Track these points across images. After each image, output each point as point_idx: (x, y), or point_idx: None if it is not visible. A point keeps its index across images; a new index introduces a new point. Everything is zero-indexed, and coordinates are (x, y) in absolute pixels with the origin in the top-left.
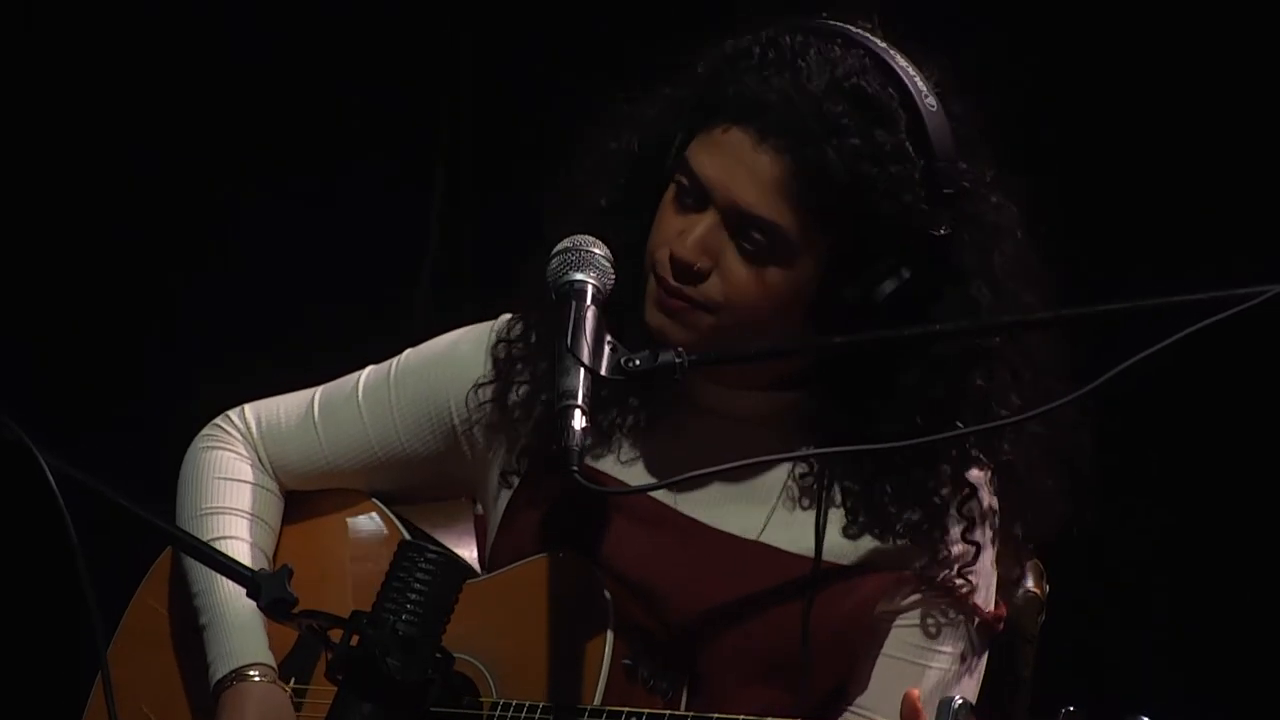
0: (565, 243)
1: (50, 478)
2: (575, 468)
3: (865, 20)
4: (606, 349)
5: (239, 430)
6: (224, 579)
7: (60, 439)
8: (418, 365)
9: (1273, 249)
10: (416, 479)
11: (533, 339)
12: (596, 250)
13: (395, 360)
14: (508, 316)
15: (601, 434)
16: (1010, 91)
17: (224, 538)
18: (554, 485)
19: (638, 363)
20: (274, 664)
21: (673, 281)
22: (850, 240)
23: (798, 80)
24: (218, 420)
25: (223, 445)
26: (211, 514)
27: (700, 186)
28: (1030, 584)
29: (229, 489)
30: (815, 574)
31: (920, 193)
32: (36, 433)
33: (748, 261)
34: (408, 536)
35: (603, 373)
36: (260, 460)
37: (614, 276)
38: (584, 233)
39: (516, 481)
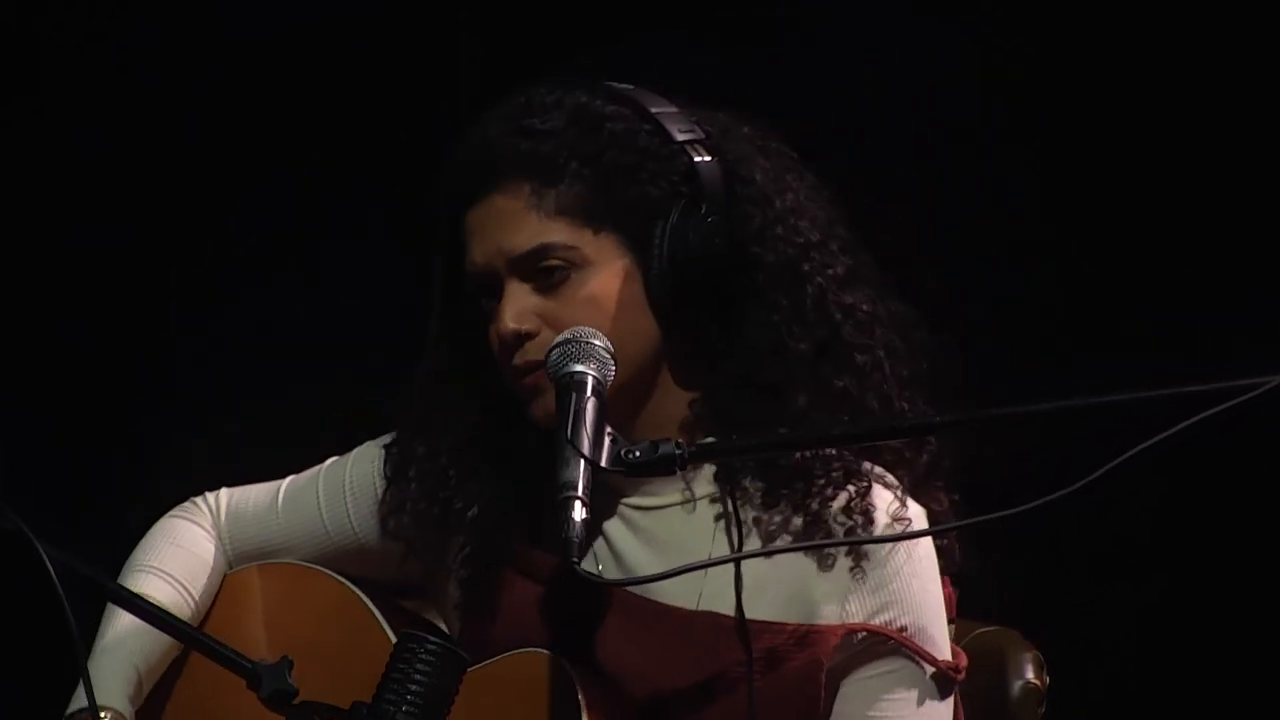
0: (565, 334)
1: (51, 569)
2: (575, 559)
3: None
4: (606, 440)
5: (208, 507)
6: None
7: (58, 519)
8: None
9: (1273, 338)
10: (373, 572)
11: (423, 451)
12: (596, 342)
13: (355, 450)
14: (386, 441)
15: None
16: (1008, 182)
17: (144, 594)
18: (510, 580)
19: (638, 454)
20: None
21: (518, 360)
22: (627, 217)
23: (485, 125)
24: (193, 498)
25: (188, 517)
26: (143, 571)
27: (482, 276)
28: (1030, 675)
29: (172, 553)
30: (749, 637)
31: (653, 140)
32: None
33: (558, 293)
34: (381, 620)
35: (603, 464)
36: (221, 537)
37: (614, 368)
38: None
39: (468, 584)
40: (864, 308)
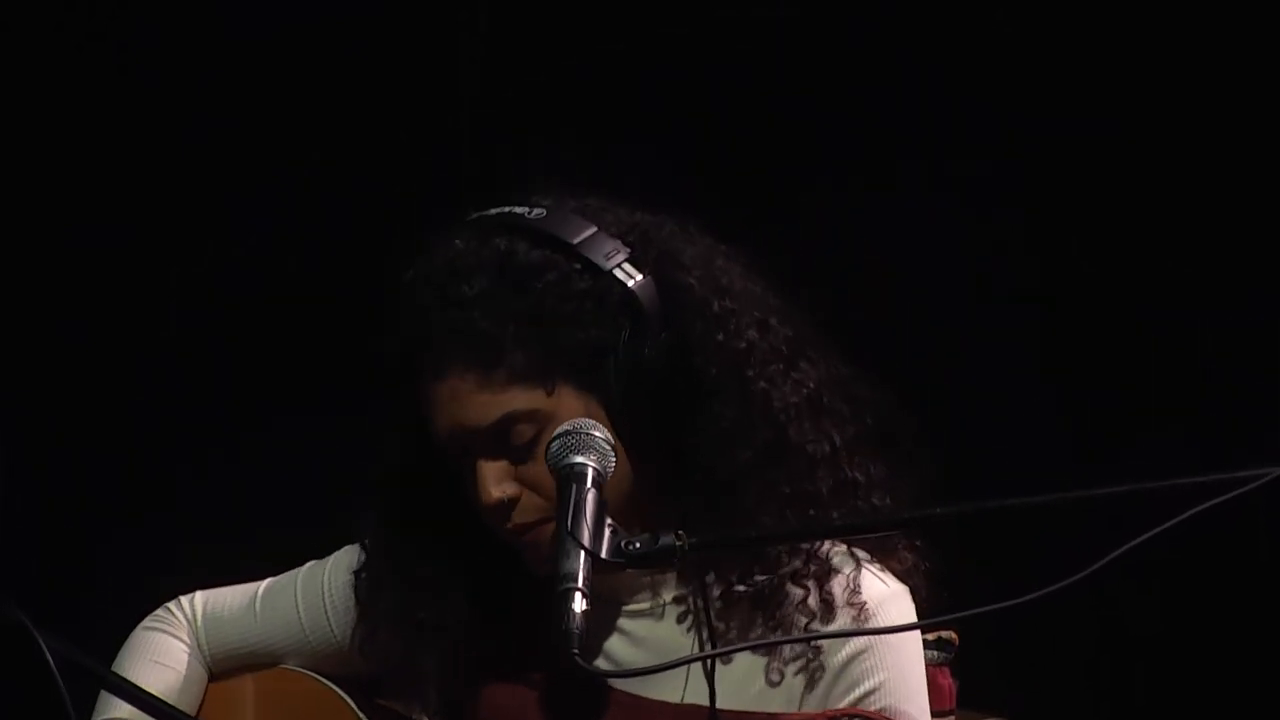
0: (566, 426)
1: (50, 661)
2: (575, 650)
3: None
4: (607, 532)
5: (184, 614)
6: None
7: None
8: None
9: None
10: (355, 671)
11: (393, 573)
12: (596, 433)
13: (334, 555)
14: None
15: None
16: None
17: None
18: (493, 685)
19: (638, 546)
20: None
21: (508, 524)
22: (576, 363)
23: (413, 294)
24: (168, 604)
25: (163, 627)
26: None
27: (450, 445)
28: None
29: (149, 671)
30: None
31: (584, 277)
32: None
33: (531, 453)
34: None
35: (603, 556)
36: (199, 644)
37: (614, 460)
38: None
39: (449, 691)
40: (809, 387)
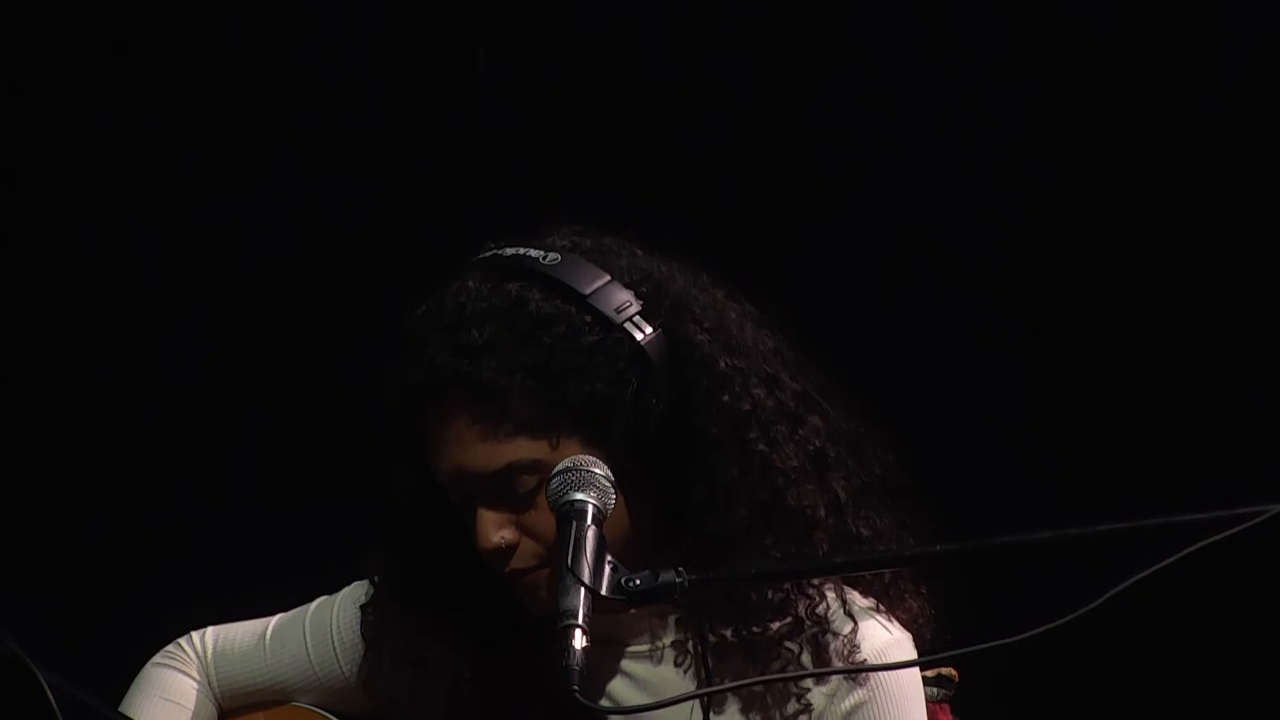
0: (565, 462)
1: (52, 699)
2: (575, 686)
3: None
4: (607, 569)
5: (194, 651)
6: None
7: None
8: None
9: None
10: (365, 708)
11: (397, 612)
12: (596, 470)
13: (343, 591)
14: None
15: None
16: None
17: None
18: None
19: (638, 582)
20: None
21: (507, 569)
22: (582, 416)
23: (421, 341)
24: (179, 639)
25: (174, 664)
26: None
27: (451, 486)
28: None
29: (159, 708)
30: None
31: (594, 330)
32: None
33: (533, 501)
34: None
35: (603, 592)
36: (208, 681)
37: (614, 497)
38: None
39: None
40: (814, 444)
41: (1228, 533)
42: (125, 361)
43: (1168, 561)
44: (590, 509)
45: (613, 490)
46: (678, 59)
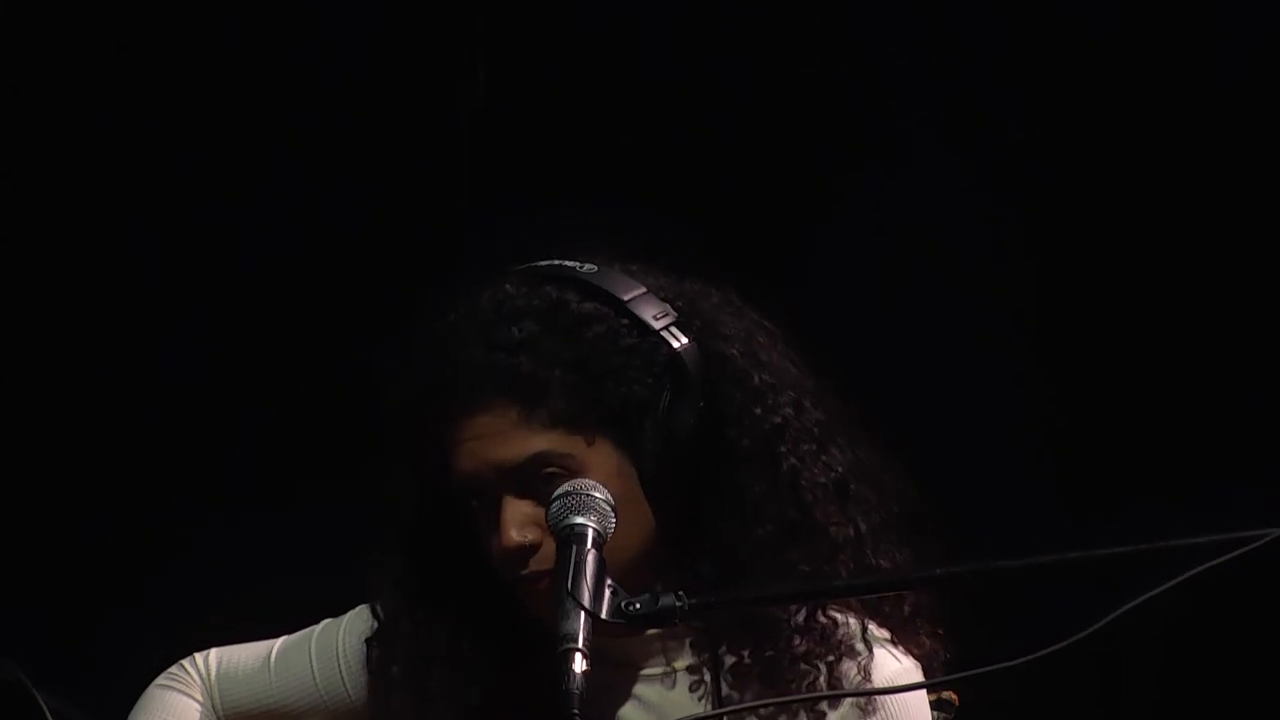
0: (566, 486)
1: None
2: (575, 710)
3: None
4: (607, 592)
5: (198, 673)
6: None
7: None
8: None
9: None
10: None
11: (405, 643)
12: (597, 494)
13: (350, 613)
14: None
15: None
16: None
17: None
18: None
19: (638, 606)
20: None
21: (522, 570)
22: (616, 418)
23: (458, 341)
24: (182, 661)
25: (177, 686)
26: None
27: (470, 481)
28: None
29: None
30: None
31: (632, 333)
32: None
33: None
34: None
35: (603, 616)
36: (212, 703)
37: (614, 520)
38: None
39: None
40: (837, 471)
41: (1230, 555)
42: (125, 361)
43: (1170, 585)
44: (590, 533)
45: (612, 514)
46: (678, 59)
